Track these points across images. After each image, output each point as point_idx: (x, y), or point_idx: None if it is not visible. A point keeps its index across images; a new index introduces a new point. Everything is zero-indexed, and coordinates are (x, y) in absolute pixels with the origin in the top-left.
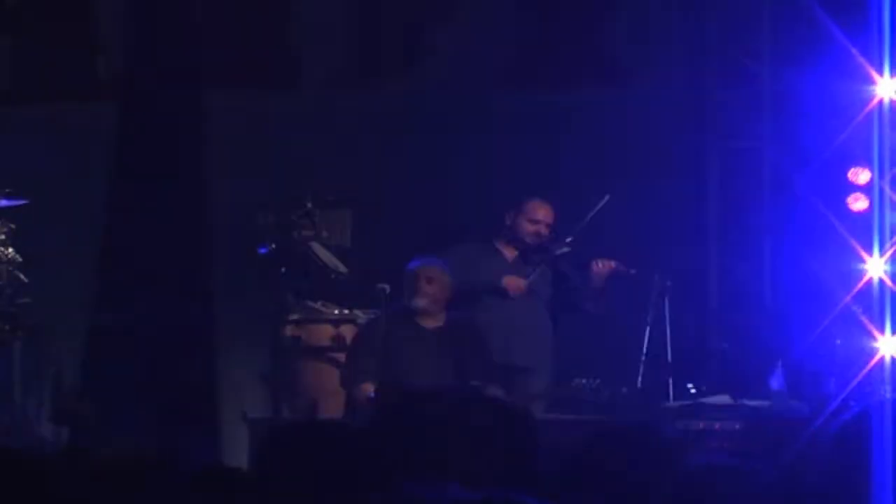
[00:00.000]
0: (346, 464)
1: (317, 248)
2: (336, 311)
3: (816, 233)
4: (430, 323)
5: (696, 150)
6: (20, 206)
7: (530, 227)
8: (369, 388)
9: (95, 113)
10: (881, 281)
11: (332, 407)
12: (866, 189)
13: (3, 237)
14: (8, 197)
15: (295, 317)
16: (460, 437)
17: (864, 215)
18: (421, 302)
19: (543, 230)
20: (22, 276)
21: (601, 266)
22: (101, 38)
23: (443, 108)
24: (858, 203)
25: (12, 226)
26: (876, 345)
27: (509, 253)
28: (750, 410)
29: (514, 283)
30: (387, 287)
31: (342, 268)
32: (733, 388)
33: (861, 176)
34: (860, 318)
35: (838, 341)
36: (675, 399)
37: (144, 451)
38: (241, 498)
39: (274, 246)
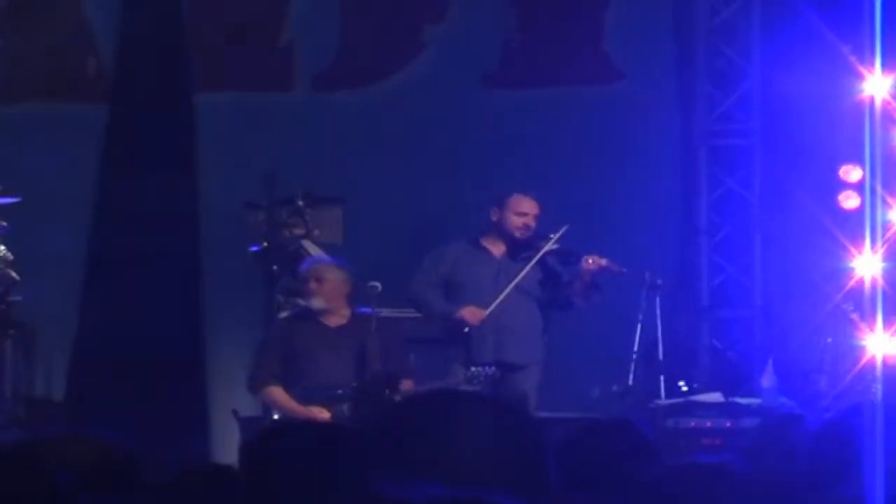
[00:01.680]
0: (331, 463)
1: (308, 246)
2: None
3: (807, 231)
4: (334, 321)
5: (686, 148)
6: (12, 203)
7: (518, 220)
8: (275, 389)
9: (88, 113)
10: (872, 279)
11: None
12: (857, 187)
13: None
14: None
15: (285, 315)
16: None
17: (856, 213)
18: (315, 303)
19: (531, 222)
20: (14, 274)
21: (592, 263)
22: (92, 38)
23: (435, 105)
24: (850, 201)
25: (4, 223)
26: (866, 343)
27: (497, 250)
28: (741, 408)
29: (471, 314)
30: (378, 285)
31: None
32: (725, 386)
33: (852, 174)
34: (851, 316)
35: (829, 339)
36: (666, 397)
37: (135, 448)
38: (231, 497)
39: (265, 244)
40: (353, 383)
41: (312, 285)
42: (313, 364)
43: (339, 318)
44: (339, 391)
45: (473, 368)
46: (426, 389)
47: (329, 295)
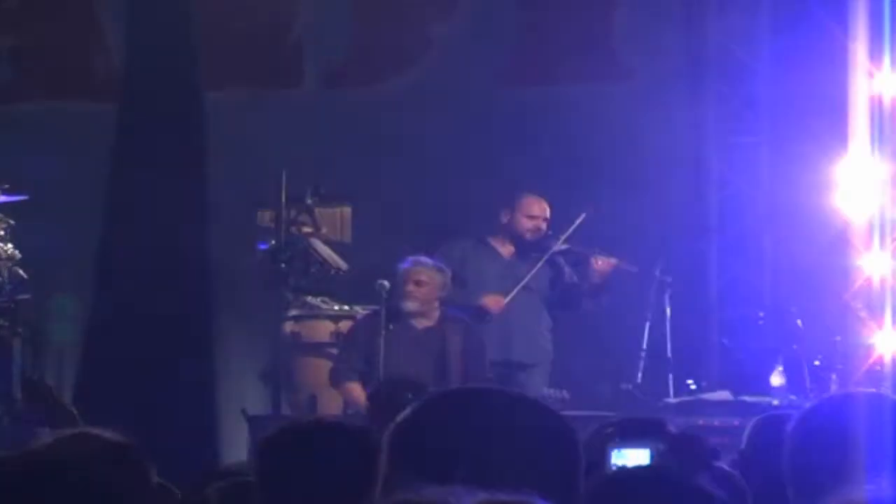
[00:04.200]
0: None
1: (317, 244)
2: (336, 307)
3: (816, 229)
4: (423, 322)
5: (695, 146)
6: (20, 201)
7: (528, 223)
8: (354, 386)
9: (96, 111)
10: (881, 277)
11: (332, 403)
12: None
13: (1, 233)
14: (7, 193)
15: (295, 313)
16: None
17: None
18: (410, 306)
19: (541, 224)
20: (21, 273)
21: (601, 263)
22: (101, 37)
23: (444, 103)
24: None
25: (11, 222)
26: (875, 341)
27: (505, 250)
28: (750, 407)
29: (493, 301)
30: (386, 283)
31: (342, 264)
32: (733, 384)
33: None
34: (860, 314)
35: (838, 338)
36: (675, 395)
37: (143, 448)
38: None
39: (274, 242)
40: (430, 388)
41: (410, 287)
42: (394, 365)
43: (428, 319)
44: (411, 395)
45: (546, 390)
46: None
47: (425, 298)
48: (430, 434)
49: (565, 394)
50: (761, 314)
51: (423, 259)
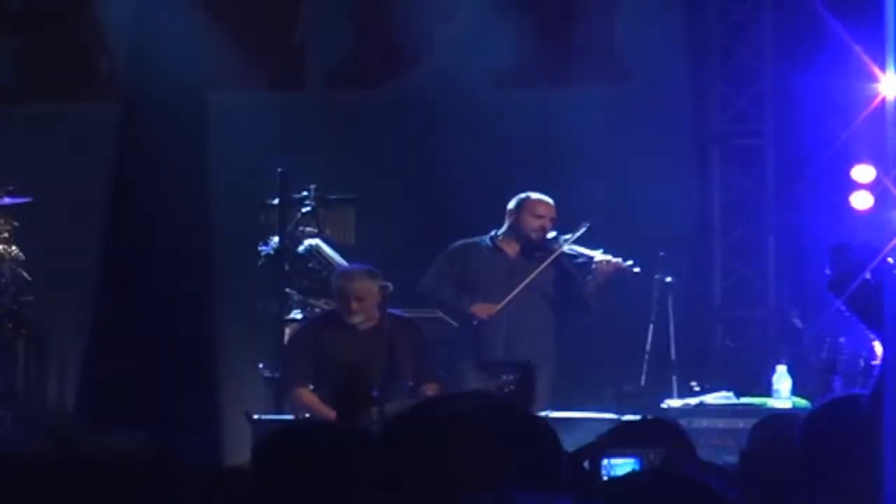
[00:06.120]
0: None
1: (320, 245)
2: None
3: (820, 230)
4: (366, 323)
5: (699, 147)
6: (23, 203)
7: (535, 222)
8: (305, 391)
9: (100, 112)
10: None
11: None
12: (870, 187)
13: (6, 235)
14: (11, 195)
15: (298, 314)
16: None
17: (869, 213)
18: (354, 320)
19: (547, 224)
20: (25, 274)
21: (606, 264)
22: (104, 38)
23: (447, 104)
24: (862, 201)
25: (15, 223)
26: (878, 343)
27: (511, 250)
28: (753, 409)
29: (481, 309)
30: (389, 285)
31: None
32: (737, 386)
33: (865, 174)
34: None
35: (842, 339)
36: (678, 397)
37: (146, 450)
38: (242, 498)
39: (277, 244)
40: (381, 387)
41: (354, 305)
42: (339, 366)
43: (370, 321)
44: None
45: (504, 377)
46: (446, 393)
47: (367, 310)
48: (425, 438)
49: None
50: (764, 316)
51: (356, 271)
